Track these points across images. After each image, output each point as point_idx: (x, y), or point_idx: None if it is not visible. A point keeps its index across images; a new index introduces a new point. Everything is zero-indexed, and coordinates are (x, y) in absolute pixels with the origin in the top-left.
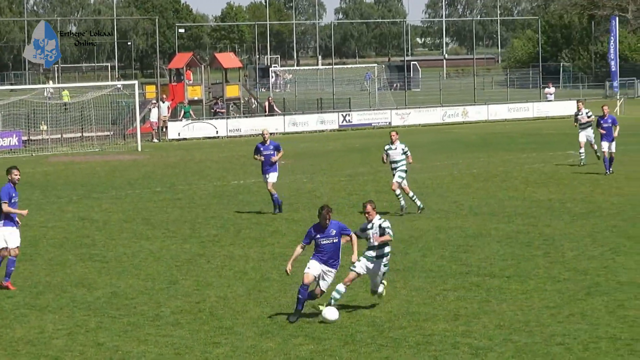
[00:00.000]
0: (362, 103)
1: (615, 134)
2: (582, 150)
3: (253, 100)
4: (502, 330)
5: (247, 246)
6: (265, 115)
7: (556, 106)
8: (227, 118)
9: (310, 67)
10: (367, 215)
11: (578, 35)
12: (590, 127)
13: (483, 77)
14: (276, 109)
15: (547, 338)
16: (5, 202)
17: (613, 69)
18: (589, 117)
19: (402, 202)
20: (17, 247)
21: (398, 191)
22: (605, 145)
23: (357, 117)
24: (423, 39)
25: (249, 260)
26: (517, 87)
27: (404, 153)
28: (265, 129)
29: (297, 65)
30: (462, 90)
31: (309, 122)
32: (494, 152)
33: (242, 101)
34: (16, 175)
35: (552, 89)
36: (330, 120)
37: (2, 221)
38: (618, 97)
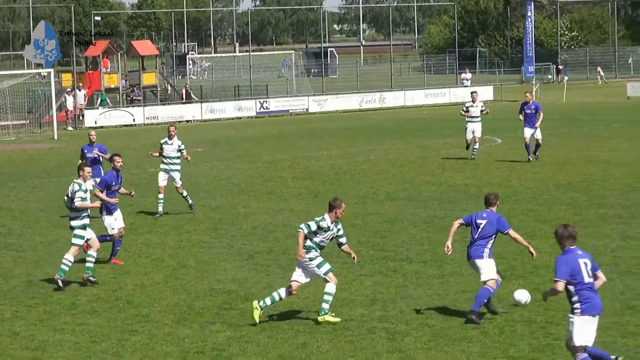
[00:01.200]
0: (279, 90)
1: (538, 122)
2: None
3: (169, 87)
4: (419, 315)
5: (164, 234)
6: (183, 103)
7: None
8: (144, 106)
9: (228, 55)
10: (339, 215)
11: (494, 20)
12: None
13: (400, 63)
14: (193, 96)
15: (463, 322)
16: (99, 189)
17: (529, 54)
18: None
19: None
20: (123, 227)
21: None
22: (528, 131)
23: (275, 104)
24: (340, 26)
25: (166, 247)
26: (434, 73)
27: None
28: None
29: (214, 53)
30: (379, 76)
31: (226, 109)
32: (411, 138)
33: (159, 89)
34: (119, 162)
35: (468, 75)
36: (247, 107)
37: (105, 210)
38: (534, 82)
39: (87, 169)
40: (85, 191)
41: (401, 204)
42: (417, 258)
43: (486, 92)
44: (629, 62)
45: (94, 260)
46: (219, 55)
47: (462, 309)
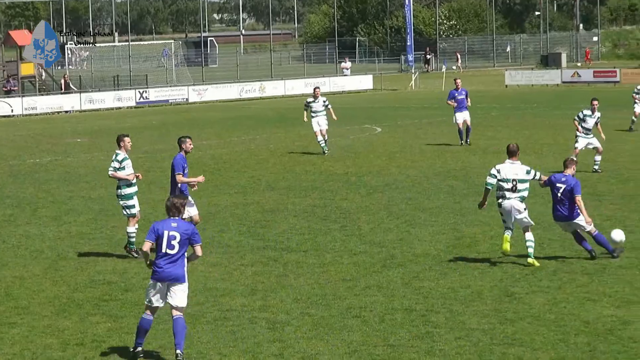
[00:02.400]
0: (159, 80)
1: (469, 103)
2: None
3: (48, 76)
4: (300, 304)
5: (43, 225)
6: (62, 93)
7: (352, 80)
8: (22, 96)
9: (107, 45)
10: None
11: (373, 10)
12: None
13: (280, 52)
14: (72, 86)
15: (343, 311)
16: (179, 174)
17: (408, 43)
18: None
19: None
20: (198, 213)
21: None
22: (460, 117)
23: (154, 94)
24: (220, 15)
25: (45, 239)
26: (314, 62)
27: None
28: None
29: (93, 43)
30: (259, 66)
31: (106, 99)
32: (291, 127)
33: (38, 79)
34: (190, 145)
35: (348, 64)
36: (127, 98)
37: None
38: (413, 71)
39: (127, 139)
40: (121, 161)
41: (282, 193)
42: (298, 247)
43: (366, 81)
44: (507, 50)
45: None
46: (98, 45)
47: (343, 297)
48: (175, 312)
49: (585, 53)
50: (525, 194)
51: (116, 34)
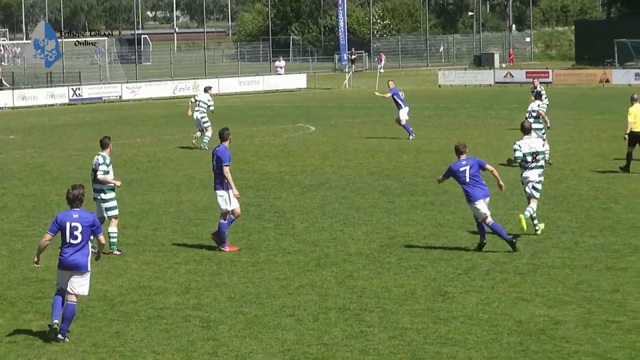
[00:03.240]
0: (92, 77)
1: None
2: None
3: None
4: (233, 303)
5: None
6: None
7: (286, 79)
8: None
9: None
10: None
11: (307, 8)
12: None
13: (214, 50)
14: (5, 83)
15: (277, 310)
16: (227, 165)
17: (342, 42)
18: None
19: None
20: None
21: None
22: (403, 113)
23: (88, 91)
24: (154, 13)
25: None
26: (248, 60)
27: None
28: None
29: (26, 39)
30: (193, 63)
31: (39, 96)
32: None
33: None
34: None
35: (282, 63)
36: (60, 94)
37: (218, 185)
38: (347, 71)
39: (109, 142)
40: (108, 164)
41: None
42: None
43: (299, 80)
44: (440, 50)
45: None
46: (30, 41)
47: (276, 296)
48: (70, 298)
49: (509, 54)
50: None
51: None
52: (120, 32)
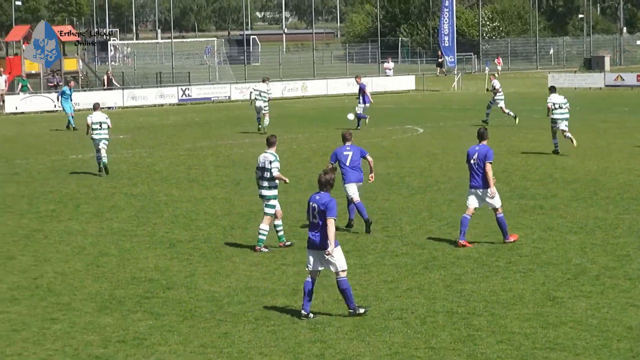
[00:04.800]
0: (201, 77)
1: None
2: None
3: (91, 72)
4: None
5: (85, 221)
6: (104, 89)
7: (395, 81)
8: None
9: (150, 41)
10: None
11: (416, 10)
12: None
13: (322, 51)
14: (115, 82)
15: (385, 312)
16: (490, 163)
17: (447, 45)
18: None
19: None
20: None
21: None
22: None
23: (197, 91)
24: (263, 13)
25: (87, 235)
26: (356, 62)
27: None
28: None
29: (136, 39)
30: (302, 64)
31: (148, 96)
32: (332, 127)
33: (81, 75)
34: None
35: (391, 64)
36: (169, 94)
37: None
38: (455, 73)
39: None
40: (279, 161)
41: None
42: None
43: (408, 82)
44: (550, 53)
45: (281, 227)
46: (140, 41)
47: (384, 298)
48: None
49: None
50: None
51: (159, 31)
52: (229, 33)
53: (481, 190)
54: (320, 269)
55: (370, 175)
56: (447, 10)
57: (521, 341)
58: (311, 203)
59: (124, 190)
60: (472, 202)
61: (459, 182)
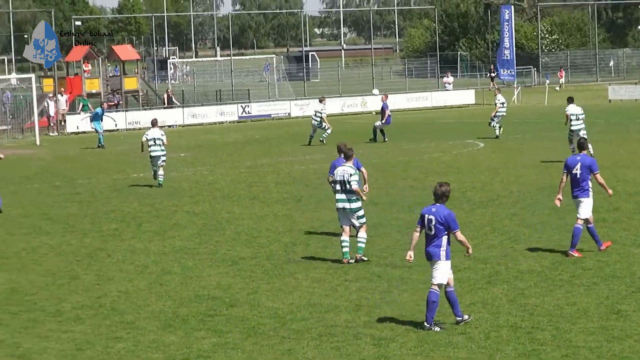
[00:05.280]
0: (261, 94)
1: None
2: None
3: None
4: (404, 321)
5: (147, 240)
6: (165, 108)
7: (454, 95)
8: (126, 111)
9: (209, 59)
10: None
11: (475, 24)
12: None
13: (381, 67)
14: (175, 100)
15: (448, 327)
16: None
17: (507, 58)
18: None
19: None
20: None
21: None
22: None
23: (257, 109)
24: (321, 30)
25: (150, 253)
26: (415, 76)
27: None
28: None
29: (195, 57)
30: (361, 80)
31: (208, 113)
32: (393, 142)
33: (141, 93)
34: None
35: (450, 79)
36: (229, 112)
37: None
38: (515, 86)
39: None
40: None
41: (385, 208)
42: (402, 263)
43: (468, 96)
44: (610, 65)
45: (348, 244)
46: (200, 59)
47: (448, 314)
48: (433, 287)
49: None
50: None
51: (218, 48)
52: (288, 50)
53: (582, 199)
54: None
55: (365, 187)
56: (507, 24)
57: (586, 355)
58: (427, 215)
59: (186, 208)
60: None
61: (521, 197)
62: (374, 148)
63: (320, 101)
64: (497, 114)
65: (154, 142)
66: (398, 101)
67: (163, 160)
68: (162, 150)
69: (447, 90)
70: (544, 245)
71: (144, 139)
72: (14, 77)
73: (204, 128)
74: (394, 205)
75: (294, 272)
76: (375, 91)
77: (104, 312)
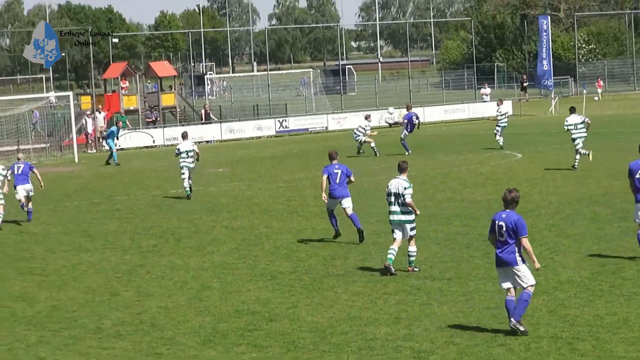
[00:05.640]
0: (298, 108)
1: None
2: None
3: (188, 107)
4: (444, 333)
5: (187, 255)
6: (202, 123)
7: (492, 107)
8: (164, 127)
9: (246, 74)
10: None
11: (511, 35)
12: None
13: (418, 79)
14: (212, 116)
15: (488, 339)
16: None
17: (546, 68)
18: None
19: None
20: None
21: None
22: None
23: (294, 123)
24: (357, 43)
25: (189, 269)
26: (452, 88)
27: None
28: None
29: (232, 72)
30: (398, 92)
31: (246, 128)
32: (430, 154)
33: (178, 109)
34: None
35: (487, 90)
36: (267, 127)
37: None
38: (552, 96)
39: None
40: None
41: (423, 221)
42: (441, 275)
43: (505, 107)
44: None
45: (394, 253)
46: (237, 74)
47: (488, 326)
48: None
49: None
50: None
51: (255, 63)
52: (324, 63)
53: None
54: (509, 286)
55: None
56: (545, 34)
57: None
58: (497, 222)
59: (225, 223)
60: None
61: (560, 207)
62: (411, 161)
63: (366, 118)
64: (499, 125)
65: (187, 154)
66: (435, 113)
67: (190, 170)
68: (192, 162)
69: (484, 101)
70: (583, 255)
71: (176, 151)
72: (52, 95)
73: (241, 143)
74: (433, 218)
75: (333, 285)
76: (391, 109)
77: (144, 328)
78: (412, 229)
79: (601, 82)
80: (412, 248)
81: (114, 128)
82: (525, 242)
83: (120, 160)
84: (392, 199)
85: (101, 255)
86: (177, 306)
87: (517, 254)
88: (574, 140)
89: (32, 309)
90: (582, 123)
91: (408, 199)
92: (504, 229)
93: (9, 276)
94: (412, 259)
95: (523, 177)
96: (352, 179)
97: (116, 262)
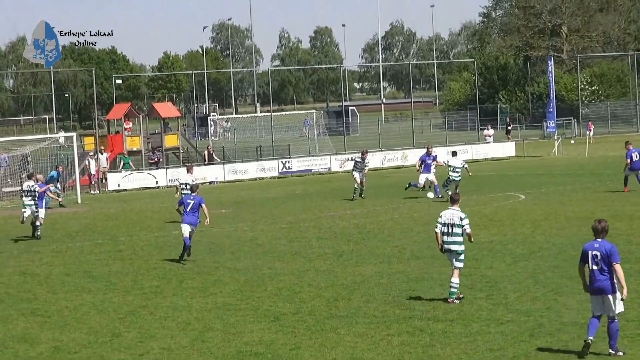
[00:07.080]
0: (301, 149)
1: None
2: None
3: (191, 148)
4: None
5: (189, 296)
6: (205, 164)
7: (495, 148)
8: (167, 168)
9: (249, 115)
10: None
11: (514, 76)
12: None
13: (421, 120)
14: (215, 157)
15: None
16: None
17: (551, 110)
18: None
19: None
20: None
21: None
22: (423, 177)
23: (297, 164)
24: (360, 84)
25: (192, 310)
26: (455, 129)
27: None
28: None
29: (235, 113)
30: (401, 134)
31: (249, 169)
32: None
33: (182, 150)
34: None
35: (491, 131)
36: (270, 168)
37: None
38: (555, 138)
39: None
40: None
41: (427, 262)
42: (444, 317)
43: (508, 148)
44: None
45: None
46: (240, 115)
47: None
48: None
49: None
50: None
51: (258, 104)
52: (327, 104)
53: None
54: (600, 313)
55: (206, 221)
56: (551, 76)
57: None
58: (591, 251)
59: (227, 264)
60: None
61: (563, 249)
62: (414, 202)
63: (363, 154)
64: (449, 179)
65: (186, 186)
66: (439, 154)
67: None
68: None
69: (487, 142)
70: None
71: (176, 183)
72: (62, 135)
73: (244, 184)
74: (436, 259)
75: (336, 327)
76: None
77: None
78: (458, 260)
79: (592, 125)
80: (455, 280)
81: (54, 172)
82: (617, 267)
83: (123, 201)
84: (446, 229)
85: (104, 296)
86: (179, 347)
87: (614, 281)
88: (449, 180)
89: (34, 350)
90: (460, 167)
91: (468, 230)
92: (599, 257)
93: (11, 317)
94: (454, 290)
95: (526, 218)
96: (204, 206)
97: (119, 303)
